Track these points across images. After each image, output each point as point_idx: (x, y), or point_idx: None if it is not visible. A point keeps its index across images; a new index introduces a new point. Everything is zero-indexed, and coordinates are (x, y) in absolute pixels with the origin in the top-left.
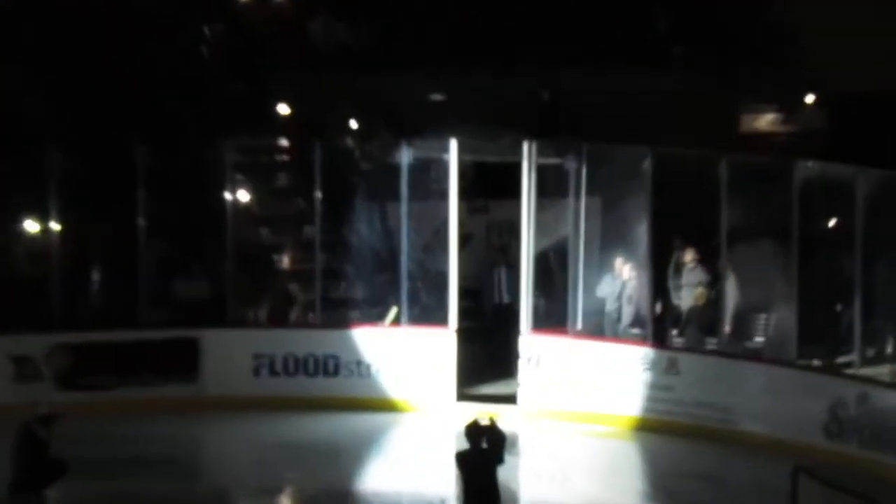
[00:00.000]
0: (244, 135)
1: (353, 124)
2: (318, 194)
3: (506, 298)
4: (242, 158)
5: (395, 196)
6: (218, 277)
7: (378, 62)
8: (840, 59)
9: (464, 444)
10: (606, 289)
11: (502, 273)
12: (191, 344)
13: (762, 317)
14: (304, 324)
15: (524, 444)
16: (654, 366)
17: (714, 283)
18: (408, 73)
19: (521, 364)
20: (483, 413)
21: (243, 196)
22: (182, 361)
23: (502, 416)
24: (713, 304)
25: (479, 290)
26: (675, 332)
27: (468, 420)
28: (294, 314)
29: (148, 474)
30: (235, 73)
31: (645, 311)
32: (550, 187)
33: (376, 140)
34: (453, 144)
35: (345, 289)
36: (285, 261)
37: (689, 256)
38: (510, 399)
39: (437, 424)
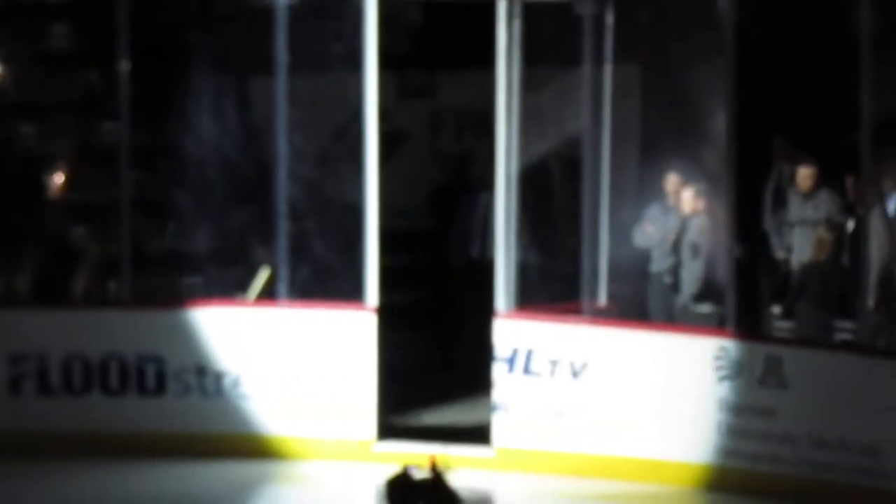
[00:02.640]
0: None
1: None
2: (125, 64)
3: (475, 251)
4: None
5: (265, 66)
6: None
7: None
8: None
9: None
10: (652, 231)
11: (478, 203)
12: None
13: None
14: (100, 300)
15: None
16: (739, 371)
17: (847, 222)
18: None
19: (497, 371)
20: (420, 459)
21: None
22: None
23: (456, 466)
24: (850, 256)
25: (427, 234)
26: (778, 308)
27: (391, 473)
28: (81, 282)
29: None
30: None
31: (723, 272)
32: (549, 47)
33: None
34: None
35: (174, 235)
36: (60, 182)
37: (804, 174)
38: (477, 435)
39: (346, 482)
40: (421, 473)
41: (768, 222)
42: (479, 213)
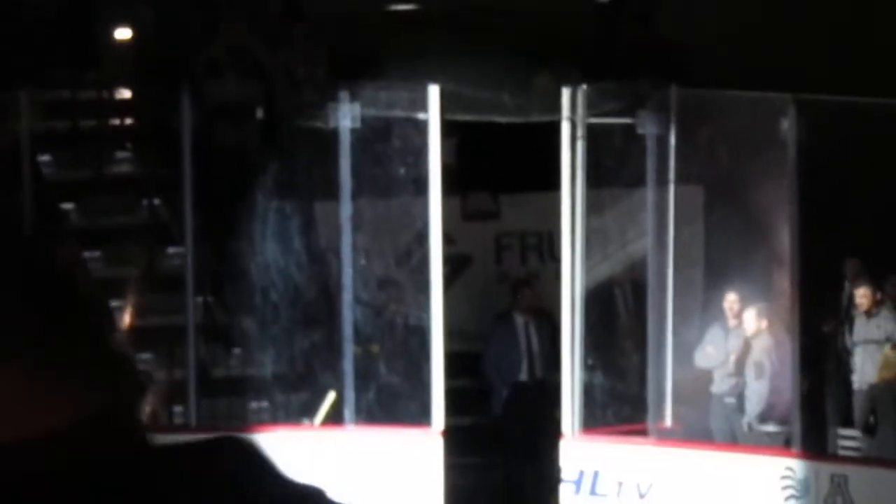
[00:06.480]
0: (53, 82)
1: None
2: (188, 189)
3: (537, 372)
4: (50, 124)
5: (330, 190)
6: None
7: None
8: None
9: None
10: (713, 352)
11: (530, 327)
12: None
13: None
14: (166, 426)
15: None
16: (805, 490)
17: None
18: None
19: (564, 493)
20: None
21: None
22: None
23: None
24: None
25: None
26: (848, 430)
27: None
28: (146, 407)
29: None
30: None
31: (788, 392)
32: (612, 169)
33: (306, 87)
34: (434, 94)
35: (241, 360)
36: (127, 311)
37: (861, 293)
38: None
39: None
40: None
41: (842, 342)
42: (520, 337)
